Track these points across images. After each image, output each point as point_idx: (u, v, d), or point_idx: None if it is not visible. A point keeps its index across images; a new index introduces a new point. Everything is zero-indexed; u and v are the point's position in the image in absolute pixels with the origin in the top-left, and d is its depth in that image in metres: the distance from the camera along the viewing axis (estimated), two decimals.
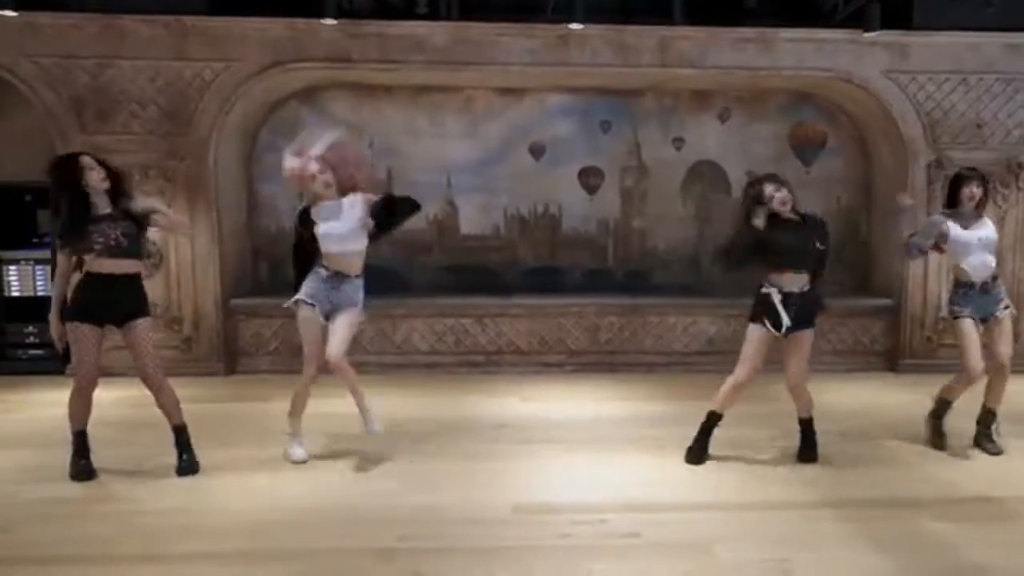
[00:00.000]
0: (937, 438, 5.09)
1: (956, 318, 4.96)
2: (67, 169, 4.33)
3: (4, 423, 5.65)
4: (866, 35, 6.70)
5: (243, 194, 7.56)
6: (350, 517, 3.97)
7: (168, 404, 4.60)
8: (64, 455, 4.52)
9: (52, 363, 6.83)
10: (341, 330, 4.51)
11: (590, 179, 7.90)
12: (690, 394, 6.33)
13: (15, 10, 6.11)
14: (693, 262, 7.97)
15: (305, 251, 4.57)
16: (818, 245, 4.57)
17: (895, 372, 7.27)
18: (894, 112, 7.12)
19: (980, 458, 4.92)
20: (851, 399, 6.37)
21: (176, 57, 6.70)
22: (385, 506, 4.11)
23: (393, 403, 6.10)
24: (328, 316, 4.54)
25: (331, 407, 5.41)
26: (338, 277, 4.53)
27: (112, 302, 4.36)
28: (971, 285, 4.91)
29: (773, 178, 4.62)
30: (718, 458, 4.82)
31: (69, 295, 4.39)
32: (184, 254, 6.87)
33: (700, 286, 7.89)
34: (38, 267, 6.86)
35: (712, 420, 4.79)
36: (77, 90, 6.67)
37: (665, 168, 7.92)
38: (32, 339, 6.92)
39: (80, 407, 4.46)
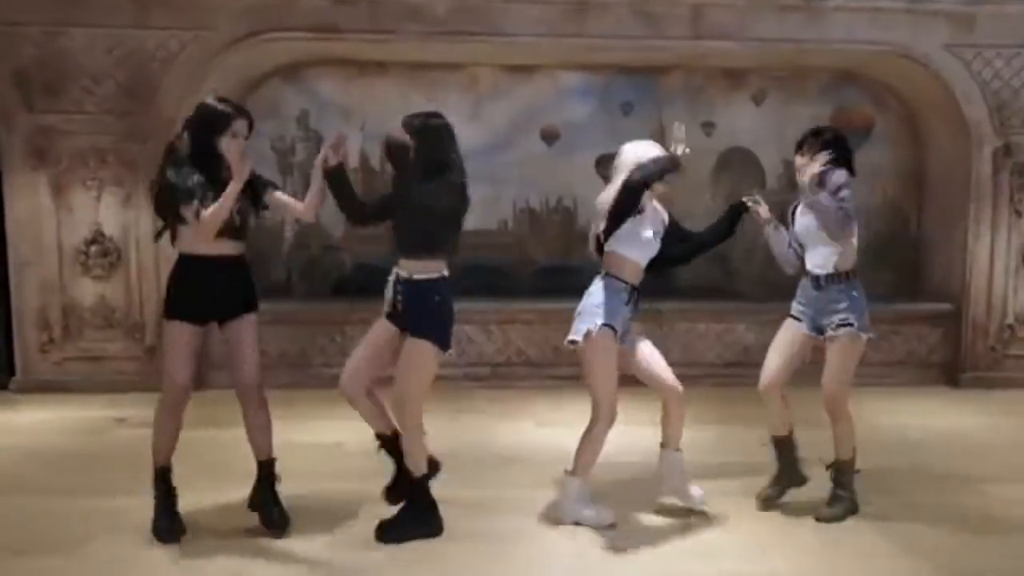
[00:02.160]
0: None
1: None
2: (219, 123, 3.27)
3: None
4: None
5: None
6: None
7: (256, 430, 3.45)
8: None
9: None
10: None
11: (609, 168, 6.74)
12: (726, 415, 5.21)
13: None
14: (723, 260, 6.81)
15: None
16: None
17: (955, 387, 6.14)
18: (956, 92, 6.01)
19: None
20: (910, 421, 5.29)
21: (137, 25, 5.61)
22: None
23: None
24: (622, 340, 3.60)
25: (295, 434, 4.32)
26: (635, 293, 3.62)
27: (218, 292, 3.36)
28: (807, 275, 3.68)
29: None
30: (780, 509, 3.70)
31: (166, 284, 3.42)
32: (146, 252, 5.70)
33: (732, 288, 6.79)
34: None
35: None
36: (21, 62, 5.57)
37: (693, 156, 6.72)
38: None
39: (166, 432, 3.35)
